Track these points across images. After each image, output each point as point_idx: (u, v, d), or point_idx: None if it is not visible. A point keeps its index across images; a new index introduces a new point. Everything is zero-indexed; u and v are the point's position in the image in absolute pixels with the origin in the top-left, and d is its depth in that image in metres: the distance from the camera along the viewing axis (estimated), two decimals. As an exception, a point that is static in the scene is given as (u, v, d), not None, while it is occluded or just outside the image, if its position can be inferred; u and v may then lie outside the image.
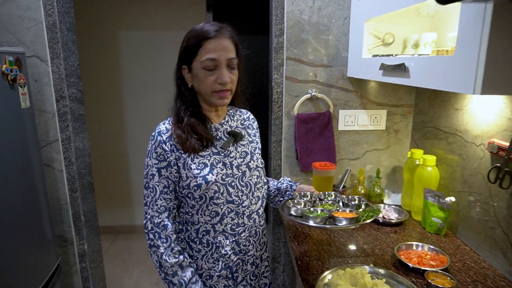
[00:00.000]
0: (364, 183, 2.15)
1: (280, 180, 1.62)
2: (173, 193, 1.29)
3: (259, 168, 1.41)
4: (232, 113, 1.43)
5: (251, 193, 1.37)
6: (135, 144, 3.92)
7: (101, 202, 4.01)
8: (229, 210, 1.31)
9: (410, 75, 1.29)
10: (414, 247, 1.56)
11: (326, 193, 1.48)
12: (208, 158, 1.28)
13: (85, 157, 2.22)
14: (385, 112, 2.10)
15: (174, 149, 1.28)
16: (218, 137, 1.33)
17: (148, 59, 3.74)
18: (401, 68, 1.32)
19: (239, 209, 1.32)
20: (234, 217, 1.32)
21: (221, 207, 1.30)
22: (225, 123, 1.37)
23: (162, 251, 1.23)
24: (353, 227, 1.38)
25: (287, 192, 1.55)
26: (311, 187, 1.50)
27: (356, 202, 1.44)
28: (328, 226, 1.24)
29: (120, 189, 4.02)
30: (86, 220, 2.22)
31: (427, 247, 1.54)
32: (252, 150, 1.39)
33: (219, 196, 1.29)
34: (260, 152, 1.44)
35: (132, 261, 3.53)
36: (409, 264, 1.42)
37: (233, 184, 1.31)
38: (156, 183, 1.29)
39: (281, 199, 1.59)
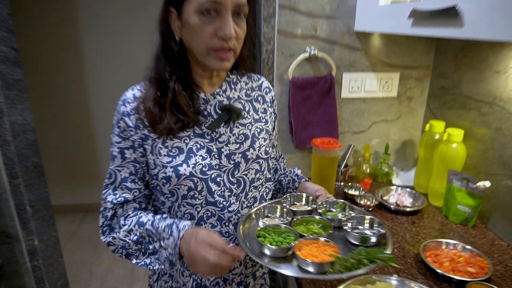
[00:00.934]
0: (370, 160, 1.82)
1: (286, 170, 1.27)
2: (142, 181, 0.97)
3: (261, 160, 1.02)
4: (234, 80, 1.05)
5: (243, 194, 1.00)
6: (102, 113, 3.44)
7: (67, 180, 3.59)
8: (209, 214, 0.96)
9: (465, 22, 0.91)
10: (444, 246, 1.26)
11: (332, 201, 1.11)
12: (186, 141, 0.93)
13: (27, 133, 1.77)
14: (398, 75, 1.73)
15: (140, 125, 0.91)
16: (206, 113, 0.96)
17: (118, 5, 3.17)
18: (450, 14, 0.94)
19: (223, 214, 0.97)
20: (216, 224, 0.97)
21: (198, 209, 0.95)
22: (220, 93, 1.00)
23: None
24: (322, 278, 1.04)
25: (289, 189, 1.19)
26: (319, 189, 1.12)
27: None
28: (278, 270, 0.86)
29: (87, 164, 3.59)
30: (34, 211, 1.82)
31: (461, 246, 1.24)
32: (255, 133, 1.02)
33: (196, 195, 0.93)
34: (268, 137, 1.07)
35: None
36: (442, 272, 1.12)
37: (218, 179, 0.95)
38: (117, 168, 0.93)
39: (282, 196, 1.24)
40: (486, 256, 1.19)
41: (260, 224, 0.98)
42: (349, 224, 1.02)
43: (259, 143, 1.01)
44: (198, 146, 0.93)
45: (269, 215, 1.05)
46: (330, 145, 1.47)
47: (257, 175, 1.02)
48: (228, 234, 0.98)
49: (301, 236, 0.93)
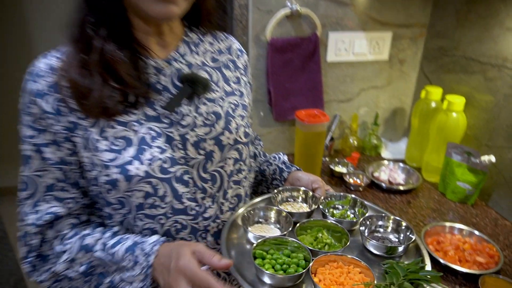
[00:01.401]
0: (357, 132, 1.64)
1: (269, 157, 1.02)
2: (76, 188, 0.71)
3: (240, 145, 0.78)
4: (195, 40, 0.78)
5: (221, 193, 0.77)
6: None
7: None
8: (179, 227, 0.73)
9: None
10: (447, 230, 1.11)
11: (336, 195, 0.89)
12: (134, 128, 0.67)
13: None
14: (390, 35, 1.52)
15: (64, 109, 0.65)
16: (159, 86, 0.71)
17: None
18: None
19: (197, 224, 0.75)
20: (189, 239, 0.75)
21: (161, 221, 0.71)
22: (177, 59, 0.74)
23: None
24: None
25: (275, 181, 0.96)
26: (315, 180, 0.89)
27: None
28: None
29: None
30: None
31: (466, 231, 1.09)
32: (229, 111, 0.78)
33: (157, 203, 0.69)
34: (246, 114, 0.82)
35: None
36: (446, 263, 0.97)
37: (186, 178, 0.71)
38: (35, 174, 0.67)
39: (266, 190, 1.00)
40: (493, 241, 1.06)
41: (250, 236, 0.74)
42: (364, 227, 0.79)
43: (236, 122, 0.77)
44: (153, 134, 0.68)
45: (260, 220, 0.81)
46: (317, 119, 1.27)
47: (237, 166, 0.79)
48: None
49: (312, 252, 0.69)
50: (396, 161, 1.52)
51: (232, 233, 0.77)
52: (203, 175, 0.73)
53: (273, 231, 0.79)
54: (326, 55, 1.50)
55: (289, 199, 0.89)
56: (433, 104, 1.41)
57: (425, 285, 0.63)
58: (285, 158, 1.01)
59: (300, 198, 0.89)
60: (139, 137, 0.66)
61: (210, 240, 0.77)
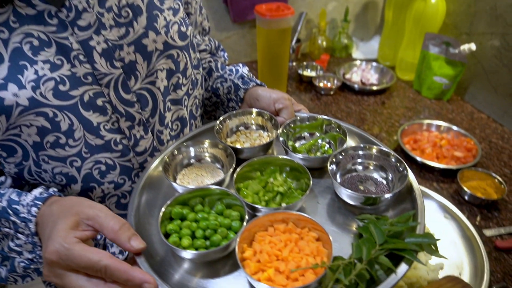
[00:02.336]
0: (326, 31, 1.47)
1: (225, 70, 0.75)
2: None
3: (175, 51, 0.58)
4: None
5: (156, 117, 0.59)
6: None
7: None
8: (103, 168, 0.55)
9: None
10: (424, 128, 1.04)
11: (305, 116, 0.63)
12: (1, 36, 0.46)
13: None
14: None
15: None
16: None
17: None
18: None
19: (129, 162, 0.58)
20: (121, 182, 0.58)
21: (76, 164, 0.53)
22: None
23: None
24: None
25: (231, 102, 0.72)
26: (279, 97, 0.64)
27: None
28: None
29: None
30: None
31: (444, 127, 1.03)
32: (154, 1, 0.56)
33: (62, 140, 0.51)
34: (181, 5, 0.61)
35: None
36: (422, 160, 0.92)
37: (99, 102, 0.52)
38: None
39: (223, 113, 0.75)
40: (470, 134, 1.00)
41: (177, 187, 0.52)
42: (340, 164, 0.55)
43: (165, 18, 0.56)
44: (35, 42, 0.47)
45: (191, 161, 0.59)
46: (280, 12, 1.08)
47: (174, 80, 0.60)
48: None
49: (254, 209, 0.48)
50: (368, 60, 1.40)
51: (153, 189, 0.55)
52: (125, 96, 0.53)
53: (211, 176, 0.57)
54: None
55: (240, 128, 0.65)
56: (410, -9, 1.25)
57: (411, 259, 0.41)
58: (245, 70, 0.75)
59: (254, 125, 0.66)
60: (12, 49, 0.46)
61: None
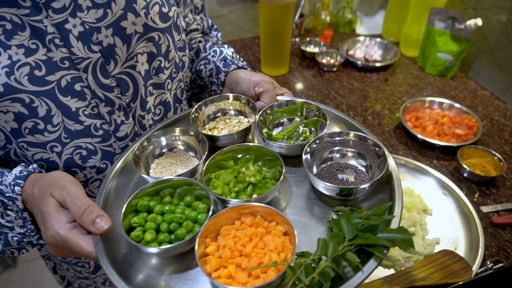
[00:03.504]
0: (330, 6, 1.44)
1: (209, 52, 0.71)
2: None
3: (155, 34, 0.56)
4: None
5: (138, 102, 0.58)
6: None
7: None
8: (84, 153, 0.55)
9: None
10: (427, 105, 1.04)
11: (284, 101, 0.60)
12: None
13: None
14: None
15: None
16: None
17: None
18: None
19: (111, 147, 0.58)
20: (103, 166, 0.58)
21: (56, 149, 0.53)
22: None
23: None
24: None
25: (213, 86, 0.68)
26: (260, 80, 0.61)
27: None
28: None
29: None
30: None
31: (446, 104, 1.03)
32: None
33: (42, 127, 0.51)
34: None
35: None
36: (424, 137, 0.92)
37: (77, 87, 0.51)
38: None
39: (208, 96, 0.71)
40: (472, 111, 1.00)
41: (148, 179, 0.51)
42: (316, 152, 0.53)
43: None
44: (9, 26, 0.45)
45: (163, 151, 0.57)
46: (283, -14, 1.06)
47: (155, 64, 0.58)
48: None
49: (223, 202, 0.47)
50: (372, 36, 1.38)
51: (125, 177, 0.54)
52: (104, 81, 0.52)
53: (185, 165, 0.55)
54: None
55: (217, 115, 0.63)
56: (417, -36, 1.21)
57: (380, 256, 0.39)
58: (229, 51, 0.70)
59: (233, 111, 0.63)
60: None
61: None
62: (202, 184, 0.47)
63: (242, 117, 0.62)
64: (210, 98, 0.62)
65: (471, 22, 1.07)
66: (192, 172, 0.50)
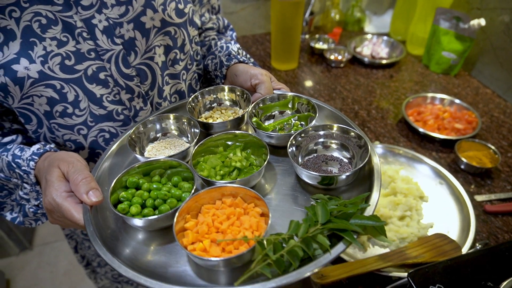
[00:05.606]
0: (339, 4, 1.49)
1: (217, 47, 0.76)
2: None
3: (171, 28, 0.61)
4: None
5: (155, 90, 0.64)
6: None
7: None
8: (107, 136, 0.63)
9: None
10: (429, 101, 1.09)
11: (275, 95, 0.64)
12: (15, 15, 0.51)
13: None
14: None
15: None
16: None
17: None
18: None
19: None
20: None
21: (82, 132, 0.60)
22: None
23: None
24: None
25: (217, 79, 0.75)
26: (257, 73, 0.65)
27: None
28: None
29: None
30: None
31: (447, 100, 1.07)
32: None
33: (69, 110, 0.57)
34: None
35: None
36: (424, 131, 0.97)
37: (101, 75, 0.57)
38: None
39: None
40: (472, 108, 1.05)
41: (140, 159, 0.55)
42: (301, 145, 0.57)
43: None
44: (44, 21, 0.51)
45: (158, 135, 0.62)
46: (295, -15, 1.11)
47: (171, 55, 0.64)
48: None
49: (208, 183, 0.51)
50: (380, 34, 1.42)
51: (120, 157, 0.59)
52: (126, 70, 0.58)
53: (178, 150, 0.59)
54: None
55: (213, 105, 0.68)
56: (424, -35, 1.25)
57: (350, 240, 0.42)
58: (235, 47, 0.75)
59: (228, 102, 0.68)
60: (23, 27, 0.51)
61: None
62: (189, 166, 0.51)
63: (237, 108, 0.67)
64: (207, 89, 0.67)
65: (474, 22, 1.11)
66: (184, 156, 0.55)
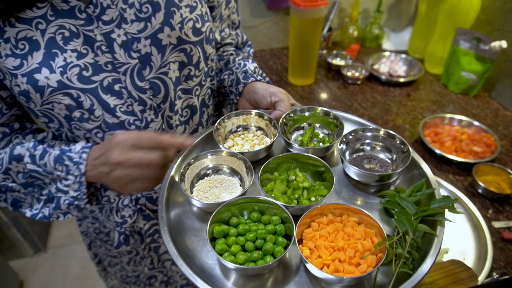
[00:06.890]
0: (358, 21, 1.49)
1: (235, 64, 0.78)
2: None
3: (187, 46, 0.63)
4: None
5: (167, 104, 0.65)
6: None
7: None
8: None
9: None
10: (446, 122, 1.08)
11: (300, 108, 0.65)
12: (40, 27, 0.54)
13: None
14: None
15: None
16: None
17: None
18: None
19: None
20: None
21: (99, 135, 0.63)
22: None
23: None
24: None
25: (232, 95, 0.75)
26: (275, 92, 0.67)
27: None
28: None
29: None
30: None
31: (466, 122, 1.06)
32: None
33: (85, 116, 0.60)
34: (200, 4, 0.65)
35: None
36: (441, 153, 0.96)
37: (116, 87, 0.59)
38: None
39: (229, 107, 0.79)
40: (491, 130, 1.03)
41: (197, 204, 0.54)
42: (343, 150, 0.60)
43: (182, 15, 0.61)
44: (67, 34, 0.54)
45: (207, 172, 0.60)
46: (314, 3, 1.12)
47: (185, 72, 0.66)
48: None
49: (287, 208, 0.49)
50: (398, 52, 1.42)
51: (173, 196, 0.57)
52: (140, 84, 0.60)
53: (227, 186, 0.57)
54: None
55: (238, 130, 0.67)
56: (445, -16, 1.25)
57: (444, 219, 0.47)
58: (252, 66, 0.76)
59: (253, 125, 0.67)
60: (47, 38, 0.53)
61: None
62: (271, 199, 0.50)
63: (258, 132, 0.67)
64: (233, 112, 0.67)
65: (495, 44, 1.10)
66: (243, 194, 0.53)
